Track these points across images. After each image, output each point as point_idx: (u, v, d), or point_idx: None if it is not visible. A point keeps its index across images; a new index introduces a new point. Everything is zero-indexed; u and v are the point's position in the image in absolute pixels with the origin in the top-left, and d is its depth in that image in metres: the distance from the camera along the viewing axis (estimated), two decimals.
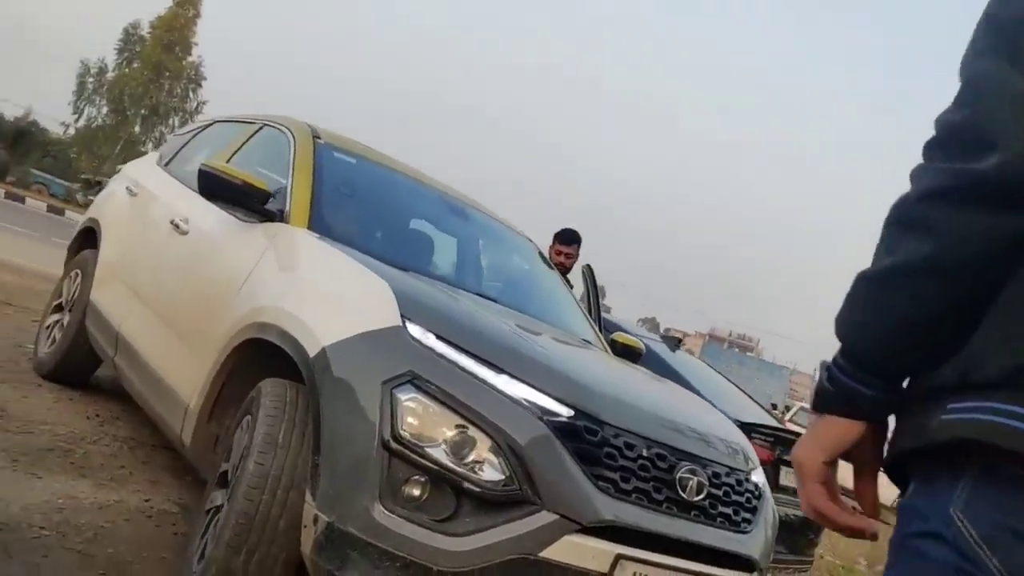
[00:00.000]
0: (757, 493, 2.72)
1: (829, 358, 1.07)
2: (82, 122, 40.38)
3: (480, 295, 3.22)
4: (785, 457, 4.77)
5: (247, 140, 3.81)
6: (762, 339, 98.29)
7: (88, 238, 4.49)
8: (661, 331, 10.94)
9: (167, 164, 4.42)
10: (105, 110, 40.39)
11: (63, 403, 4.07)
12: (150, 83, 39.68)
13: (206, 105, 41.84)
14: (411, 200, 3.81)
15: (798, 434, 5.68)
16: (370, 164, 3.64)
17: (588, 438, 2.28)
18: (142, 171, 4.51)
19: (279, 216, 3.06)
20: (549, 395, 2.30)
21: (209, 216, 3.35)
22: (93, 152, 39.32)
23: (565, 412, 2.29)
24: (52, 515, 2.79)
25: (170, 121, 40.92)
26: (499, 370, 2.30)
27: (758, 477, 2.79)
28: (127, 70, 40.22)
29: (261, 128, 3.83)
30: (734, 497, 2.58)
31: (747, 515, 2.62)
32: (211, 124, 4.50)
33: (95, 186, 31.25)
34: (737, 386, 6.24)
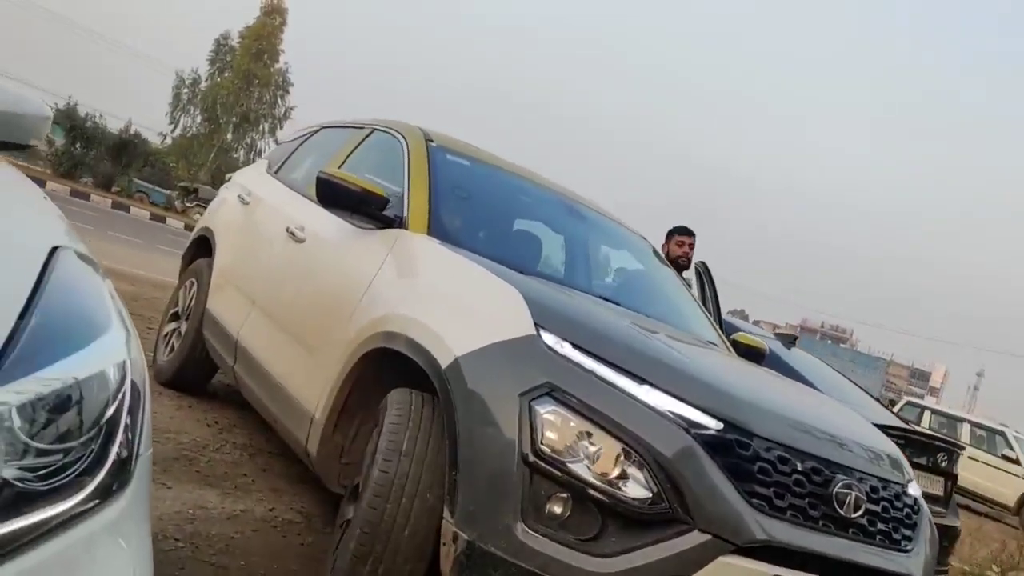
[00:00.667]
0: (916, 508, 2.53)
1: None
2: (178, 131, 41.92)
3: (602, 298, 3.10)
4: (916, 460, 4.51)
5: (357, 145, 3.78)
6: (855, 330, 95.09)
7: (202, 247, 4.56)
8: (750, 322, 10.61)
9: (276, 171, 4.44)
10: (199, 119, 41.81)
11: (183, 411, 4.14)
12: (240, 91, 40.88)
13: (294, 110, 42.92)
14: (526, 201, 3.72)
15: (925, 435, 5.39)
16: (483, 166, 3.57)
17: (739, 452, 2.14)
18: (253, 179, 4.55)
19: (397, 222, 3.00)
20: (695, 406, 2.17)
21: (325, 223, 3.33)
22: (189, 160, 40.75)
23: (714, 425, 2.15)
24: (184, 526, 2.81)
25: (260, 127, 42.12)
26: (640, 380, 2.18)
27: (915, 490, 2.60)
28: (219, 79, 41.52)
29: (371, 133, 3.80)
30: (892, 513, 2.40)
31: (907, 532, 2.43)
32: (318, 130, 4.51)
33: (192, 193, 32.38)
34: (856, 384, 5.95)
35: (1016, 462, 14.64)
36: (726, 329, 4.13)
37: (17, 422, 0.81)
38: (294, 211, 3.71)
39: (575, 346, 2.22)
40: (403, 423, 2.31)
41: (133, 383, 1.00)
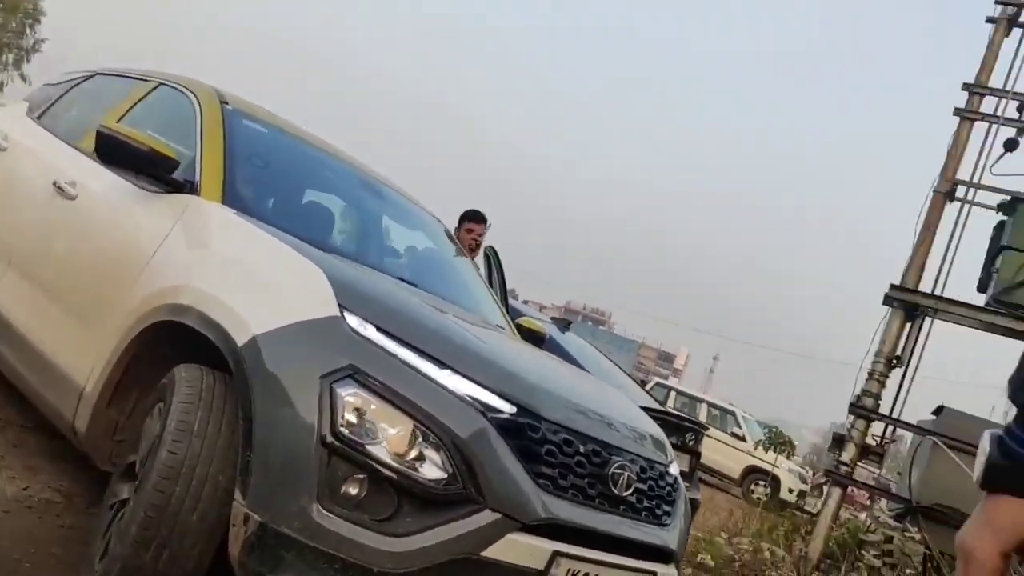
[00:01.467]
0: (675, 486, 2.80)
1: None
2: None
3: (399, 278, 3.12)
4: (668, 439, 4.95)
5: (140, 99, 3.51)
6: (614, 313, 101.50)
7: None
8: (520, 301, 11.06)
9: (40, 116, 4.01)
10: None
11: None
12: None
13: (45, 43, 38.55)
14: (324, 175, 3.64)
15: (677, 416, 5.92)
16: (281, 134, 3.44)
17: (529, 435, 2.26)
18: (10, 122, 4.07)
19: (188, 187, 2.84)
20: (492, 391, 2.26)
21: (102, 181, 3.07)
22: None
23: (508, 409, 2.26)
24: None
25: (2, 58, 37.45)
26: (442, 364, 2.24)
27: (675, 469, 2.87)
28: None
29: (156, 87, 3.54)
30: (657, 491, 2.64)
31: (667, 508, 2.69)
32: (92, 76, 4.11)
33: None
34: (619, 367, 6.41)
35: (743, 439, 16.43)
36: (511, 314, 4.30)
37: None
38: (63, 163, 3.38)
39: (379, 329, 2.24)
40: (194, 402, 2.21)
41: None
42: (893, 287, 7.29)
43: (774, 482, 14.08)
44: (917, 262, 7.37)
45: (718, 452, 15.56)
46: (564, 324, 5.87)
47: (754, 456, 15.63)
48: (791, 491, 15.67)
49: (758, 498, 14.92)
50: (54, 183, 3.25)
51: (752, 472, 15.87)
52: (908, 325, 7.26)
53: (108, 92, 3.79)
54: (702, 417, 16.27)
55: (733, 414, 17.46)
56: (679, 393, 18.31)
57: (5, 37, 37.34)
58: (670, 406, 14.56)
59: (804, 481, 16.59)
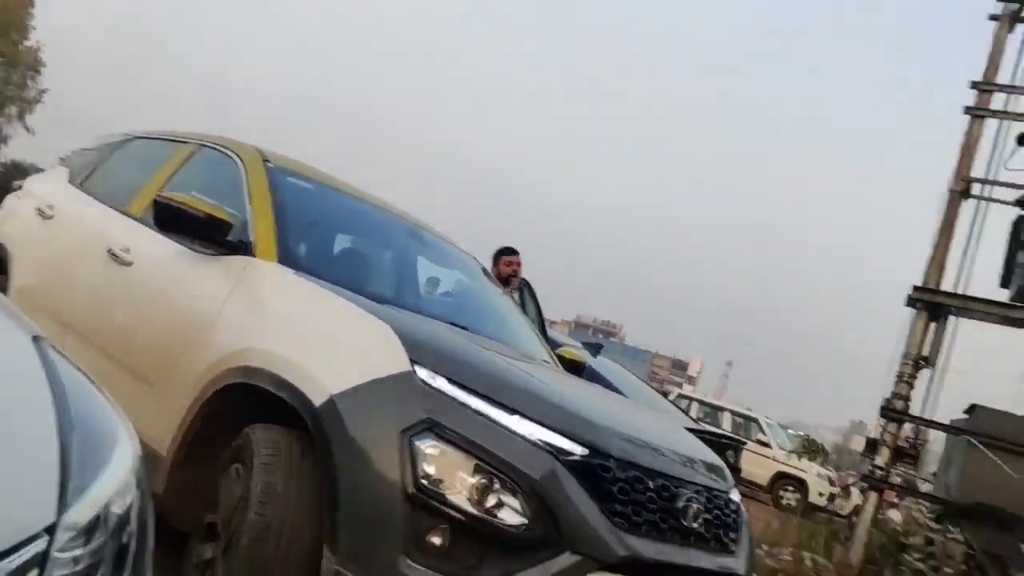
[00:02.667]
0: (738, 511, 2.85)
1: None
2: None
3: (450, 323, 3.19)
4: None
5: (183, 162, 3.60)
6: (624, 325, 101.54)
7: None
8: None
9: (82, 183, 4.11)
10: None
11: None
12: None
13: (46, 93, 38.96)
14: (367, 225, 3.72)
15: (717, 434, 5.97)
16: (324, 188, 3.53)
17: (601, 475, 2.32)
18: (53, 191, 4.17)
19: (243, 249, 2.92)
20: (562, 434, 2.32)
21: (157, 246, 3.15)
22: None
23: (579, 451, 2.32)
24: None
25: (7, 110, 37.85)
26: (512, 411, 2.31)
27: (736, 495, 2.92)
28: None
29: (198, 149, 3.64)
30: (722, 519, 2.69)
31: (732, 534, 2.74)
32: (130, 140, 4.22)
33: None
34: (650, 385, 6.46)
35: (767, 445, 16.41)
36: (549, 343, 4.36)
37: (69, 548, 0.79)
38: (114, 230, 3.47)
39: (450, 380, 2.30)
40: (275, 463, 2.28)
41: (142, 481, 0.99)
42: (916, 288, 7.33)
43: (802, 487, 14.07)
44: (937, 261, 7.42)
45: (746, 460, 15.49)
46: (595, 348, 5.93)
47: (781, 462, 15.62)
48: (820, 495, 15.65)
49: (787, 504, 14.90)
50: (108, 250, 3.34)
51: (781, 478, 15.85)
52: (933, 325, 7.30)
53: (149, 156, 3.89)
54: (726, 426, 16.26)
55: (756, 421, 17.44)
56: (701, 403, 18.30)
57: (8, 90, 37.76)
58: (692, 417, 14.57)
59: (832, 483, 16.56)
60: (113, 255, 3.31)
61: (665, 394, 14.16)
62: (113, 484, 0.90)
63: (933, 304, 7.25)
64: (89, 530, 0.83)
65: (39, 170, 6.49)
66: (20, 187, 4.51)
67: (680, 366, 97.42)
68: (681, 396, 18.37)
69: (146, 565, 0.98)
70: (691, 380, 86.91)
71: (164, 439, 2.71)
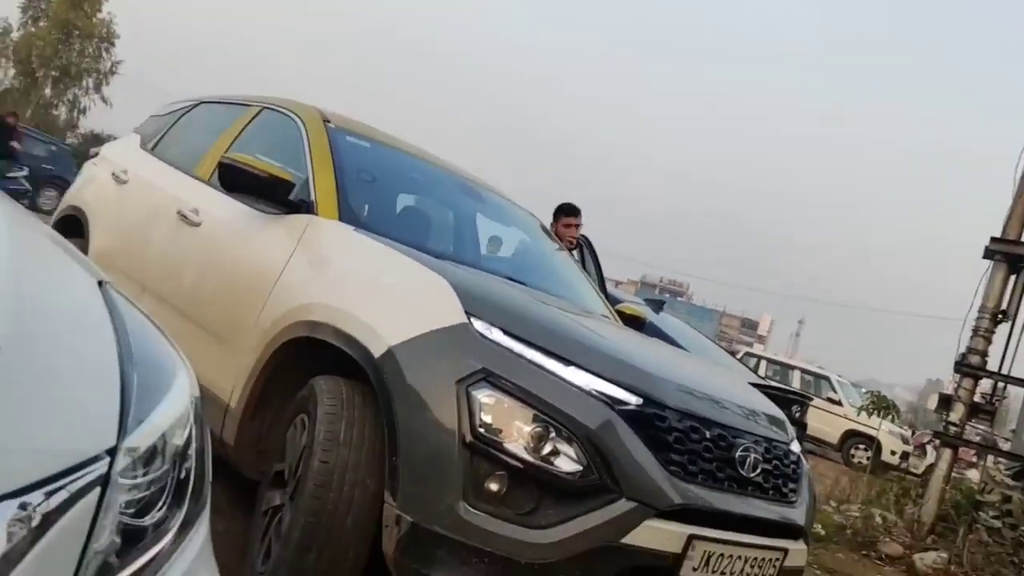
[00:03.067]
0: (798, 463, 2.84)
1: None
2: None
3: (510, 279, 3.23)
4: None
5: (247, 125, 3.70)
6: (691, 284, 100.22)
7: (69, 227, 4.31)
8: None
9: (153, 148, 4.26)
10: (12, 72, 38.25)
11: None
12: (59, 43, 37.58)
13: (121, 64, 40.01)
14: (426, 182, 3.77)
15: (782, 389, 5.91)
16: (382, 147, 3.59)
17: (657, 424, 2.34)
18: (127, 156, 4.33)
19: (305, 207, 3.00)
20: (617, 384, 2.34)
21: (224, 207, 3.26)
22: None
23: (634, 400, 2.34)
24: None
25: (84, 83, 39.02)
26: (567, 362, 2.34)
27: (796, 447, 2.91)
28: (33, 29, 38.02)
29: (261, 111, 3.72)
30: (782, 469, 2.69)
31: (792, 485, 2.73)
32: (196, 105, 4.34)
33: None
34: (715, 342, 6.41)
35: (839, 403, 16.14)
36: (609, 299, 4.37)
37: (129, 474, 0.85)
38: (184, 192, 3.59)
39: (505, 332, 2.34)
40: (338, 413, 2.36)
41: (199, 415, 1.05)
42: (994, 239, 7.08)
43: (876, 445, 13.81)
44: (1019, 212, 7.13)
45: (815, 418, 15.27)
46: (658, 305, 5.91)
47: (852, 420, 15.34)
48: (893, 453, 15.36)
49: (859, 462, 14.68)
50: (178, 212, 3.46)
51: (852, 436, 15.61)
52: (1013, 278, 7.05)
53: (215, 120, 4.00)
54: (795, 384, 16.05)
55: (827, 379, 17.16)
56: (769, 361, 18.08)
57: (84, 63, 38.87)
58: (761, 375, 14.41)
59: (905, 442, 16.23)
60: (183, 216, 3.43)
61: (733, 352, 14.04)
62: (171, 415, 0.95)
63: (1012, 256, 6.99)
64: (148, 458, 0.89)
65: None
66: (97, 154, 4.68)
67: (750, 325, 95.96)
68: (749, 354, 18.18)
69: (205, 498, 1.04)
70: (761, 339, 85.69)
71: (235, 392, 2.83)
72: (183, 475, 0.96)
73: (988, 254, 7.08)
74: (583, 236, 5.47)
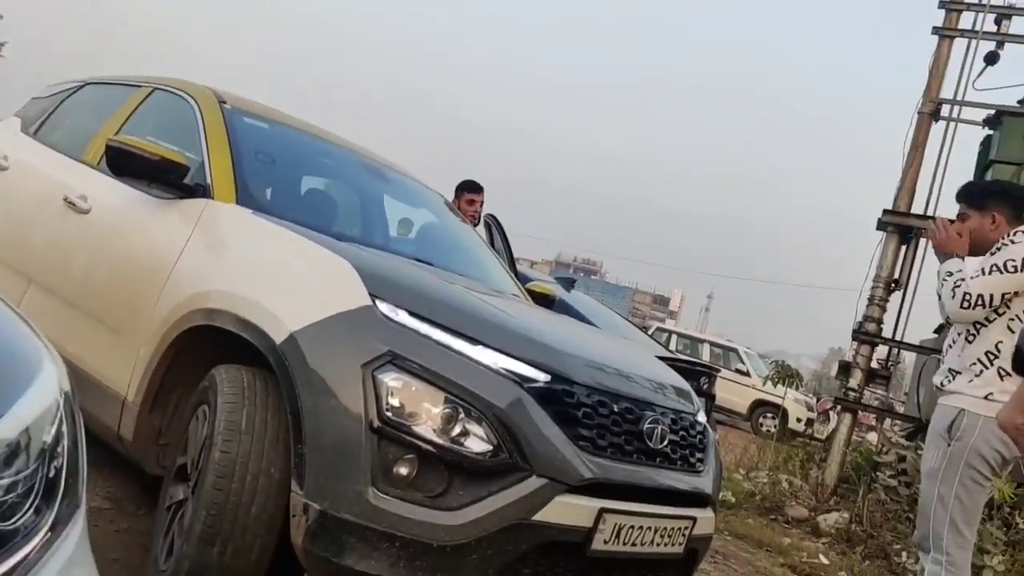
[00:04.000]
0: (705, 433, 2.90)
1: None
2: None
3: (415, 259, 3.19)
4: None
5: (138, 106, 3.53)
6: (605, 262, 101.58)
7: None
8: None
9: (35, 132, 4.02)
10: None
11: None
12: None
13: (5, 46, 37.87)
14: (328, 164, 3.68)
15: (690, 361, 6.04)
16: (281, 128, 3.48)
17: (565, 400, 2.35)
18: (6, 140, 4.07)
19: (201, 191, 2.89)
20: (525, 361, 2.34)
21: (114, 192, 3.11)
22: None
23: (542, 377, 2.34)
24: None
25: None
26: (475, 341, 2.32)
27: (702, 417, 2.97)
28: None
29: (152, 92, 3.56)
30: (688, 440, 2.74)
31: (699, 455, 2.79)
32: (82, 86, 4.11)
33: None
34: (625, 317, 6.51)
35: (747, 374, 16.68)
36: (519, 278, 4.37)
37: None
38: (70, 178, 3.41)
39: (411, 313, 2.31)
40: (239, 401, 2.29)
41: (72, 410, 0.99)
42: (886, 211, 7.38)
43: (782, 413, 14.33)
44: (908, 184, 7.46)
45: (724, 389, 15.73)
46: (569, 282, 5.96)
47: (760, 390, 15.87)
48: (799, 420, 15.97)
49: (767, 431, 15.20)
50: (65, 198, 3.28)
51: (759, 406, 16.15)
52: (904, 248, 7.37)
53: (103, 101, 3.81)
54: (705, 357, 16.49)
55: (735, 351, 17.69)
56: (680, 336, 18.52)
57: None
58: (672, 349, 14.74)
59: (810, 409, 16.89)
60: (70, 203, 3.26)
61: (645, 328, 14.31)
62: (34, 411, 0.89)
63: (903, 227, 7.31)
64: (9, 457, 0.83)
65: None
66: None
67: (661, 301, 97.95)
68: (660, 329, 18.58)
69: (79, 497, 0.98)
70: (672, 315, 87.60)
71: (132, 384, 2.72)
72: (52, 474, 0.90)
73: (881, 225, 7.39)
74: (491, 215, 5.46)
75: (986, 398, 2.89)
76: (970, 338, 3.03)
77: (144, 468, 2.83)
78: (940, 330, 7.11)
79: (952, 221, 3.26)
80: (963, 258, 3.11)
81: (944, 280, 3.07)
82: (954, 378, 3.06)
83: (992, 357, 2.94)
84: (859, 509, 6.24)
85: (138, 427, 2.69)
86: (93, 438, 3.24)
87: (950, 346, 3.16)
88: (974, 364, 2.99)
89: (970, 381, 2.98)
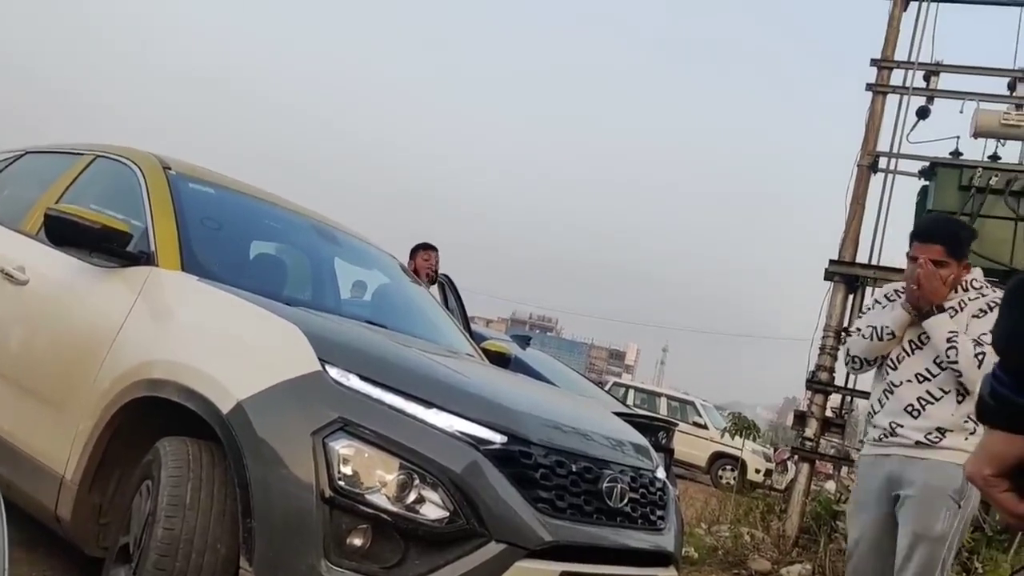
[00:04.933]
0: (664, 489, 2.87)
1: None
2: None
3: (368, 321, 3.14)
4: None
5: (79, 174, 3.46)
6: (560, 319, 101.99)
7: None
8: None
9: None
10: None
11: None
12: None
13: None
14: (277, 228, 3.63)
15: (647, 417, 6.03)
16: (228, 192, 3.43)
17: (523, 461, 2.31)
18: None
19: (144, 259, 2.82)
20: (480, 423, 2.30)
21: (53, 262, 3.02)
22: None
23: (498, 439, 2.30)
24: None
25: None
26: (428, 404, 2.28)
27: (661, 473, 2.94)
28: None
29: (93, 160, 3.49)
30: (648, 497, 2.70)
31: (660, 512, 2.75)
32: (22, 155, 4.03)
33: None
34: (581, 374, 6.49)
35: (704, 427, 16.70)
36: (474, 337, 4.34)
37: None
38: (8, 249, 3.31)
39: (362, 377, 2.26)
40: (183, 475, 2.21)
41: None
42: (832, 262, 7.53)
43: (741, 465, 14.35)
44: (851, 235, 7.63)
45: (683, 442, 15.71)
46: (524, 340, 5.94)
47: (718, 442, 15.89)
48: (757, 471, 15.98)
49: (727, 482, 15.18)
50: (1, 270, 3.18)
51: (718, 458, 16.14)
52: (851, 296, 7.51)
53: (43, 170, 3.73)
54: (662, 411, 16.50)
55: (692, 404, 17.74)
56: (637, 390, 18.53)
57: None
58: (630, 404, 14.73)
59: (768, 460, 16.93)
60: (7, 275, 3.16)
61: (601, 384, 14.31)
62: None
63: (849, 276, 7.46)
64: None
65: None
66: None
67: (617, 355, 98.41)
68: (617, 384, 18.58)
69: None
70: (628, 368, 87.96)
71: (71, 461, 2.60)
72: None
73: (828, 276, 7.52)
74: (444, 275, 5.45)
75: None
76: (960, 398, 2.91)
77: (83, 549, 2.70)
78: None
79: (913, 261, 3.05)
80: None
81: (953, 343, 2.88)
82: (944, 436, 2.90)
83: None
84: (821, 560, 6.21)
85: (77, 506, 2.57)
86: (29, 518, 3.09)
87: (922, 403, 2.97)
88: (967, 422, 2.88)
89: (966, 439, 2.86)
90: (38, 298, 3.05)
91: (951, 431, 2.91)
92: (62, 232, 2.76)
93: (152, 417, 2.48)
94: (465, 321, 5.15)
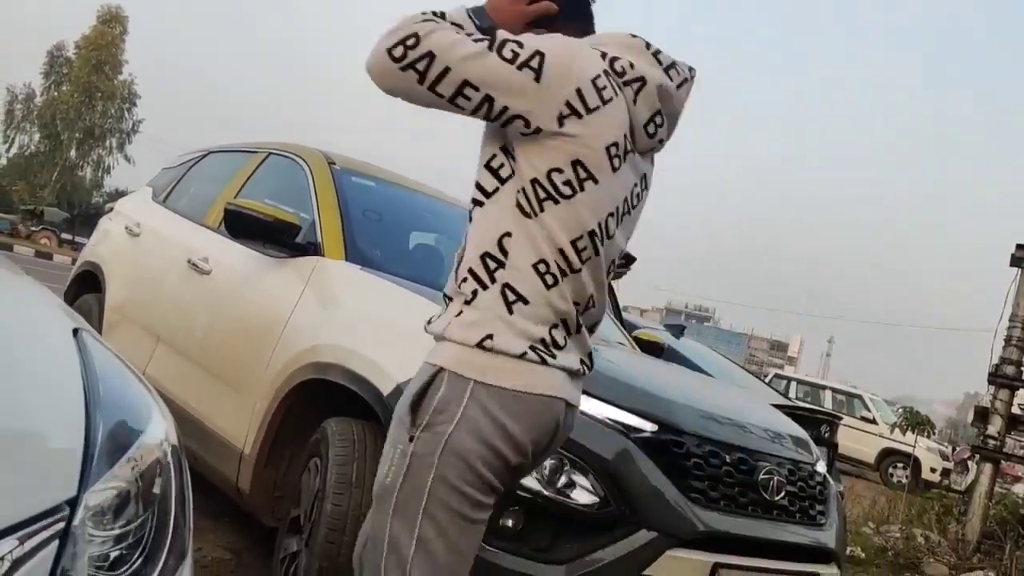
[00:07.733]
0: (825, 484, 2.76)
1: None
2: (13, 151, 39.18)
3: None
4: None
5: (254, 171, 3.72)
6: (717, 308, 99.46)
7: (87, 282, 4.35)
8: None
9: (164, 200, 4.29)
10: (37, 136, 39.18)
11: None
12: (82, 105, 38.51)
13: (143, 123, 40.92)
14: (437, 219, 3.76)
15: (809, 410, 5.79)
16: (387, 186, 3.59)
17: (674, 451, 2.28)
18: (139, 209, 4.37)
19: (312, 249, 2.99)
20: (632, 412, 2.29)
21: (232, 254, 3.26)
22: (29, 181, 38.12)
23: (649, 427, 2.29)
24: None
25: (107, 143, 39.92)
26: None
27: (822, 467, 2.82)
28: (56, 93, 38.99)
29: (267, 157, 3.74)
30: (807, 491, 2.61)
31: (820, 507, 2.65)
32: (205, 155, 4.38)
33: (37, 216, 30.14)
34: (739, 365, 6.32)
35: (873, 422, 15.83)
36: (625, 327, 4.31)
37: (98, 526, 0.83)
38: (194, 241, 3.61)
39: None
40: (349, 454, 2.33)
41: (179, 462, 1.02)
42: (1019, 247, 6.94)
43: (914, 463, 13.51)
44: None
45: (849, 438, 15.00)
46: (679, 330, 5.84)
47: (888, 438, 15.03)
48: (933, 470, 14.99)
49: (898, 481, 14.35)
50: (188, 261, 3.47)
51: (888, 455, 15.28)
52: None
53: (223, 168, 4.03)
54: (827, 404, 15.77)
55: (860, 397, 16.85)
56: (800, 383, 17.79)
57: (107, 123, 39.75)
58: (792, 396, 14.19)
59: (945, 458, 15.86)
60: (193, 265, 3.44)
61: (762, 376, 13.86)
62: (143, 463, 0.93)
63: None
64: (118, 509, 0.86)
65: None
66: (111, 209, 4.74)
67: (779, 347, 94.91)
68: (778, 376, 17.90)
69: (184, 549, 1.01)
70: (791, 360, 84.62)
71: (249, 438, 2.80)
72: (160, 525, 0.93)
73: (1015, 261, 6.94)
74: None
75: None
76: None
77: (261, 519, 2.91)
78: None
79: None
80: None
81: None
82: None
83: None
84: (1007, 567, 5.77)
85: (255, 479, 2.77)
86: (215, 490, 3.36)
87: None
88: None
89: None
90: (219, 287, 3.30)
91: None
92: (239, 225, 2.97)
93: (320, 398, 2.63)
94: (617, 310, 5.12)
